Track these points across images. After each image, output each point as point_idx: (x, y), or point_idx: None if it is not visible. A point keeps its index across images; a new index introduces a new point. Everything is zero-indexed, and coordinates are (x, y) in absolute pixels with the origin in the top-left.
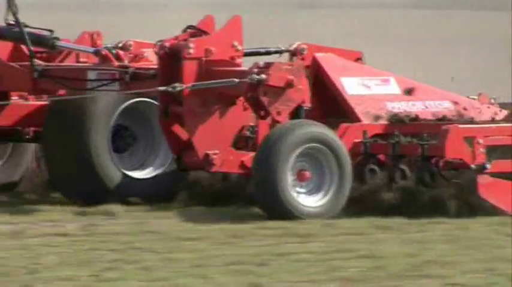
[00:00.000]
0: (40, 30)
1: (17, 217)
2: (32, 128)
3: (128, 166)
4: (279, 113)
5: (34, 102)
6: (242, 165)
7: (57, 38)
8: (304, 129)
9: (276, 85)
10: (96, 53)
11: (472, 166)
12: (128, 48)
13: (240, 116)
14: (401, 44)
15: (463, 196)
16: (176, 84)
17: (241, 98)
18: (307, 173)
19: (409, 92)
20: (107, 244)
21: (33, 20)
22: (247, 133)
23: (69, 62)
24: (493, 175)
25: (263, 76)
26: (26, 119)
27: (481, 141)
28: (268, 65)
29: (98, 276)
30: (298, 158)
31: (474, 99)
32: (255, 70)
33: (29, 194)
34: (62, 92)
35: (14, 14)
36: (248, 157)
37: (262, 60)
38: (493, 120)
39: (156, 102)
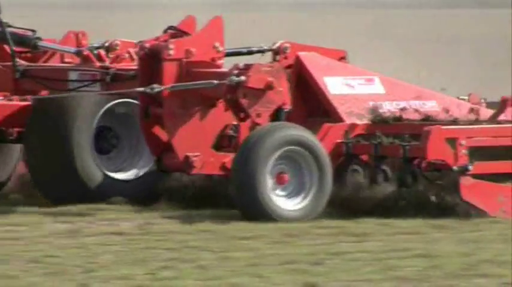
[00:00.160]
0: (23, 31)
1: (73, 216)
2: (15, 129)
3: (112, 167)
4: (258, 116)
5: (17, 102)
6: (223, 167)
7: (39, 38)
8: (283, 132)
9: (256, 87)
10: (78, 53)
11: (454, 167)
12: (114, 48)
13: (221, 117)
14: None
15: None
16: (154, 86)
17: (222, 100)
18: (287, 176)
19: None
20: (163, 242)
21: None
22: (231, 132)
23: (54, 63)
24: (476, 176)
25: (242, 78)
26: (9, 120)
27: (463, 142)
28: (247, 67)
29: (153, 275)
30: (277, 161)
31: (464, 99)
32: (235, 72)
33: (14, 194)
34: (44, 92)
35: None
36: (229, 158)
37: (245, 60)
38: (476, 121)
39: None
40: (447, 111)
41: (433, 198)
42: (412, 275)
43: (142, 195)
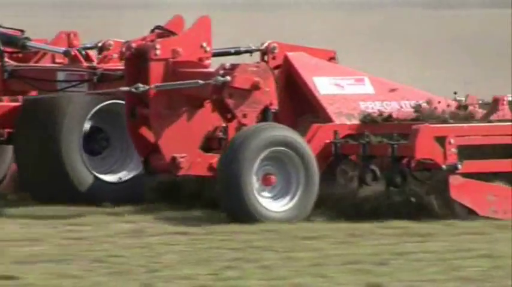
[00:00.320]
0: (13, 31)
1: (136, 216)
2: (6, 130)
3: (102, 168)
4: (245, 116)
5: (7, 103)
6: (210, 167)
7: (27, 38)
8: (269, 133)
9: (242, 87)
10: (66, 53)
11: (443, 166)
12: (107, 48)
13: (209, 118)
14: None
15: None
16: (139, 85)
17: (208, 100)
18: (273, 178)
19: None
20: (227, 242)
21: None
22: (220, 134)
23: (45, 63)
24: (466, 175)
25: (228, 78)
26: None
27: (452, 141)
28: (233, 67)
29: (217, 275)
30: (263, 162)
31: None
32: (221, 72)
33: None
34: (34, 93)
35: None
36: (216, 159)
37: (232, 60)
38: (465, 120)
39: None
40: (436, 109)
41: (412, 199)
42: (476, 276)
43: (131, 197)
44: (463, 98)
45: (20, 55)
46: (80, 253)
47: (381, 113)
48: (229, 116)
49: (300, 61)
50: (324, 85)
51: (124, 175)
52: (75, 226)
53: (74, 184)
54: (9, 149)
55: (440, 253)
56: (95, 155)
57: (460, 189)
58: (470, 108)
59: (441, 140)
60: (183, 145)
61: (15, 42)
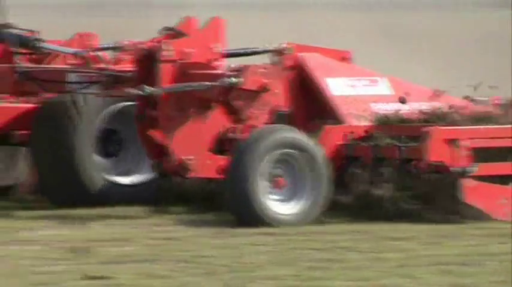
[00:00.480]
0: (26, 32)
1: (220, 216)
2: (19, 132)
3: (116, 171)
4: (253, 118)
5: (22, 105)
6: (220, 169)
7: (39, 39)
8: (278, 135)
9: (250, 89)
10: (77, 54)
11: (454, 169)
12: (124, 49)
13: (219, 120)
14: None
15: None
16: (146, 87)
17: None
18: (282, 180)
19: (402, 101)
20: (312, 243)
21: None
22: (232, 135)
23: (59, 64)
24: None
25: (235, 80)
26: (12, 123)
27: (464, 143)
28: (242, 68)
29: (302, 275)
30: (271, 164)
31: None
32: (229, 73)
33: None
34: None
35: None
36: (226, 161)
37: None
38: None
39: None
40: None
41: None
42: None
43: (145, 200)
44: (487, 98)
45: (34, 56)
46: (168, 253)
47: (395, 114)
48: (237, 118)
49: (313, 62)
50: (337, 86)
51: (138, 177)
52: (163, 227)
53: (88, 187)
54: (22, 152)
55: None
56: (109, 157)
57: (472, 192)
58: (489, 109)
59: (452, 143)
60: (193, 146)
61: (26, 43)
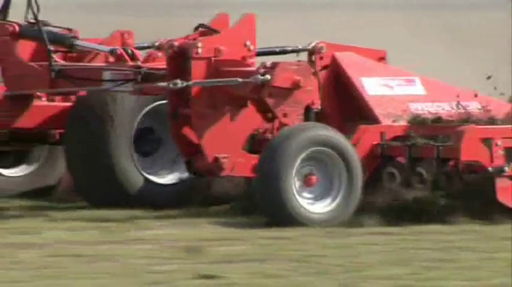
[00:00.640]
0: (62, 30)
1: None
2: (57, 131)
3: (153, 170)
4: (285, 115)
5: (59, 103)
6: (254, 168)
7: (75, 37)
8: (310, 132)
9: (282, 86)
10: (112, 52)
11: (490, 168)
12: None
13: (253, 117)
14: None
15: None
16: (177, 81)
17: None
18: (314, 178)
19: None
20: (425, 243)
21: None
22: (269, 136)
23: (100, 63)
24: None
25: (267, 77)
26: (49, 121)
27: (499, 143)
28: (274, 65)
29: (418, 275)
30: (304, 162)
31: None
32: (261, 70)
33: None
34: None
35: (33, 12)
36: None
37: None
38: None
39: None
40: (488, 111)
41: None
42: None
43: (184, 200)
44: None
45: (76, 55)
46: (280, 253)
47: (431, 115)
48: (270, 115)
49: (348, 61)
50: (372, 86)
51: (176, 177)
52: (270, 226)
53: (125, 186)
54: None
55: None
56: (146, 156)
57: (507, 191)
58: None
59: (488, 142)
60: (226, 145)
61: (62, 41)
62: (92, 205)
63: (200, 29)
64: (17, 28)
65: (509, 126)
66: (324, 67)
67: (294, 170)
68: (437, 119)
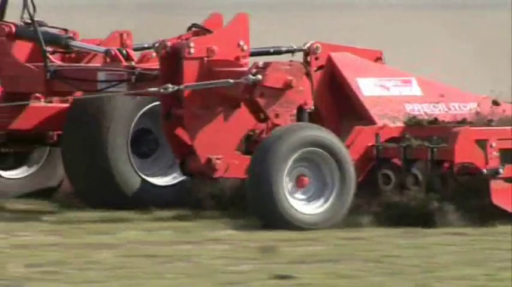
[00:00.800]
0: (58, 30)
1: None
2: (55, 132)
3: (151, 171)
4: (277, 116)
5: (56, 104)
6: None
7: (71, 38)
8: (302, 133)
9: (274, 86)
10: (106, 53)
11: (484, 170)
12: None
13: (246, 118)
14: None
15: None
16: (169, 85)
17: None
18: (306, 179)
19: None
20: (501, 243)
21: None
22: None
23: (98, 64)
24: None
25: (259, 77)
26: (46, 123)
27: (494, 144)
28: (266, 65)
29: (493, 275)
30: (296, 163)
31: None
32: (253, 70)
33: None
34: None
35: (29, 13)
36: None
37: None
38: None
39: None
40: (486, 113)
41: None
42: None
43: (182, 201)
44: None
45: (74, 56)
46: (355, 253)
47: (427, 116)
48: (261, 116)
49: (344, 61)
50: (368, 86)
51: (173, 178)
52: (348, 226)
53: (122, 188)
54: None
55: None
56: (143, 157)
57: (501, 194)
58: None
59: (482, 143)
60: (219, 146)
61: (57, 41)
62: (89, 206)
63: (193, 28)
64: (13, 28)
65: (504, 127)
66: (320, 67)
67: (286, 171)
68: (433, 121)
